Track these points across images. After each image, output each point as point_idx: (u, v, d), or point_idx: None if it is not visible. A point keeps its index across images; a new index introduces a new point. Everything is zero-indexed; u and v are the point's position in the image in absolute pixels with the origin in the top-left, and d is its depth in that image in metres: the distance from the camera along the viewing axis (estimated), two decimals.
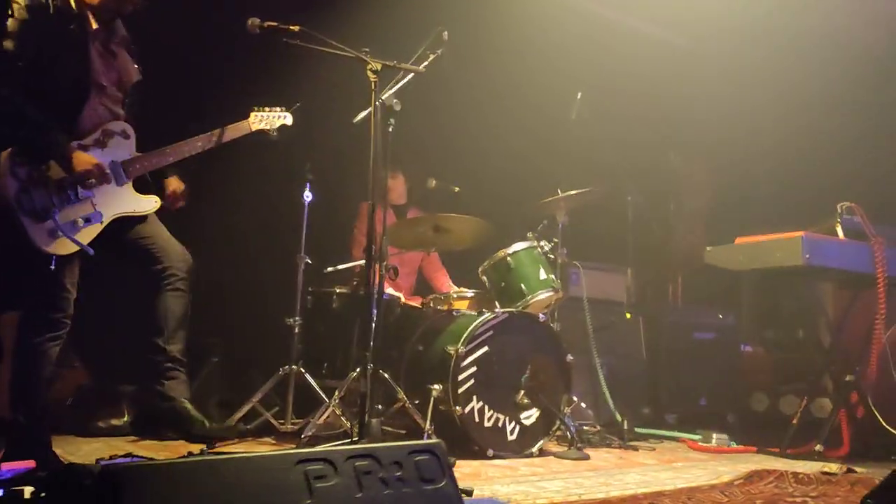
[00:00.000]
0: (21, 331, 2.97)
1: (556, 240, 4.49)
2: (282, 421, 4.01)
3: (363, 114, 3.65)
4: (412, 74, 3.78)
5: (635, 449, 4.32)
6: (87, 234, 2.96)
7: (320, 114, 3.82)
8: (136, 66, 3.26)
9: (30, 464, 2.44)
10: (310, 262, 4.03)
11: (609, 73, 5.42)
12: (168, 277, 3.30)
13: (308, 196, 4.03)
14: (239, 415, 3.79)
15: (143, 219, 3.24)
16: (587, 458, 3.89)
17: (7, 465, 2.37)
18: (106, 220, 3.03)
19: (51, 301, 2.95)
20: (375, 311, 3.75)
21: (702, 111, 6.35)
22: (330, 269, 4.18)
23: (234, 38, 3.39)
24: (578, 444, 4.01)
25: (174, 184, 3.42)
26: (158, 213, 3.31)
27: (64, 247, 2.86)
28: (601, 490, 3.03)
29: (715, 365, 5.74)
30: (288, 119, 3.58)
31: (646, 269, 6.01)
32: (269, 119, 3.51)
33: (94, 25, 3.09)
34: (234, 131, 3.44)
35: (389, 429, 4.24)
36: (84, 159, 2.95)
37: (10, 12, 2.86)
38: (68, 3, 2.99)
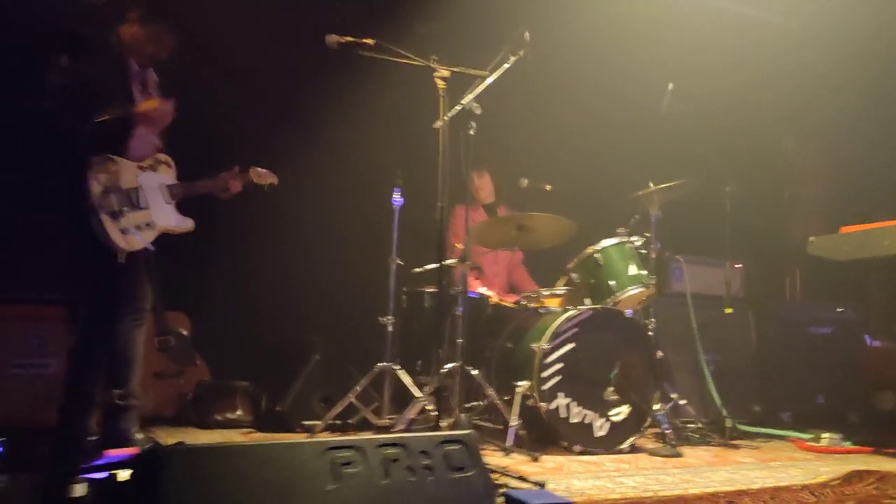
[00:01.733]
0: (97, 320, 3.31)
1: (647, 234, 4.43)
2: (379, 417, 4.19)
3: (441, 120, 3.75)
4: (493, 77, 3.88)
5: (736, 447, 4.20)
6: (146, 238, 3.38)
7: (407, 121, 3.97)
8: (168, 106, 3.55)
9: (133, 450, 2.73)
10: (401, 263, 4.19)
11: (706, 61, 5.27)
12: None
13: (398, 200, 4.20)
14: (336, 411, 4.00)
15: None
16: (679, 455, 3.83)
17: (111, 453, 2.66)
18: (159, 229, 3.44)
19: (128, 290, 3.33)
20: (462, 309, 3.88)
21: (814, 96, 6.02)
22: (418, 269, 4.32)
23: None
24: (672, 442, 3.96)
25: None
26: None
27: (131, 244, 3.28)
28: (680, 487, 2.99)
29: (833, 361, 5.42)
30: (274, 179, 3.91)
31: (755, 262, 5.79)
32: (262, 176, 3.87)
33: (136, 67, 3.48)
34: (242, 179, 3.78)
35: (488, 424, 4.35)
36: (149, 103, 3.35)
37: (63, 52, 3.29)
38: (113, 47, 3.41)
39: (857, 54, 5.74)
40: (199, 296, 4.66)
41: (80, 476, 2.17)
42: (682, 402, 4.62)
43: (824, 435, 4.36)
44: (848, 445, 4.30)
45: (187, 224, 3.56)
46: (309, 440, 1.68)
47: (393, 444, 1.68)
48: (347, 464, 1.60)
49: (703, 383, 4.93)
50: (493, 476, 2.90)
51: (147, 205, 3.37)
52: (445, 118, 3.31)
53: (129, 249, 3.25)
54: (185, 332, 4.64)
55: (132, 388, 3.35)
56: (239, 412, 4.47)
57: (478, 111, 3.78)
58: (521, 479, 2.89)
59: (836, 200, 6.05)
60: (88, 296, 3.36)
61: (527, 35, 3.96)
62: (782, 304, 5.75)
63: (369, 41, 3.32)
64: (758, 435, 4.70)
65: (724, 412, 4.53)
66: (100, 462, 2.31)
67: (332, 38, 3.42)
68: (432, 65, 3.31)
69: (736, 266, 5.62)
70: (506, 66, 3.93)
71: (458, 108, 3.76)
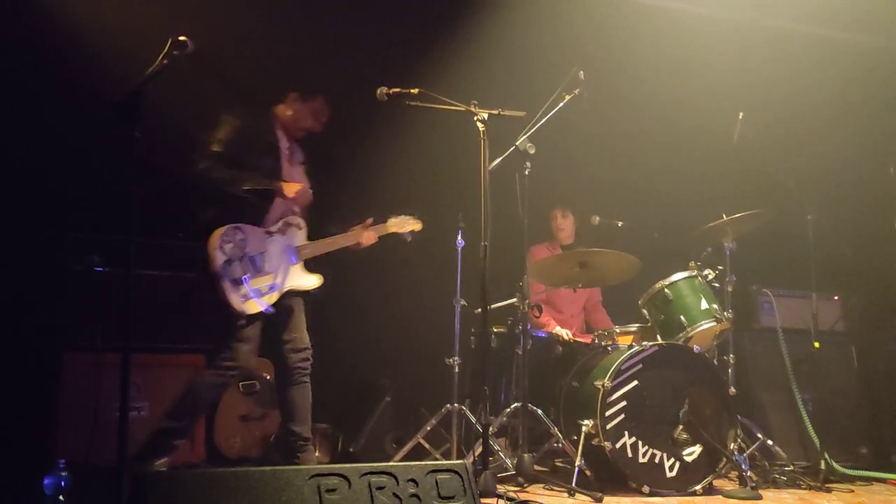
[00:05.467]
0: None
1: (720, 267, 4.29)
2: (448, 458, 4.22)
3: (497, 161, 3.83)
4: (546, 118, 3.94)
5: (828, 490, 3.94)
6: (269, 299, 3.58)
7: (466, 164, 4.06)
8: (307, 180, 3.84)
9: None
10: (465, 304, 4.25)
11: (784, 87, 5.10)
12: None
13: (461, 242, 4.28)
14: (404, 451, 4.06)
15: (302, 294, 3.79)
16: (759, 497, 3.64)
17: None
18: (283, 289, 3.64)
19: (228, 349, 3.54)
20: (522, 350, 3.89)
21: None
22: (479, 310, 4.36)
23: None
24: (753, 484, 3.76)
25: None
26: None
27: (252, 307, 3.50)
28: None
29: None
30: (418, 225, 4.02)
31: (858, 294, 5.45)
32: (403, 224, 4.00)
33: (286, 143, 3.79)
34: (377, 231, 3.92)
35: (561, 464, 4.30)
36: (293, 185, 3.63)
37: (224, 124, 3.59)
38: (268, 122, 3.73)
39: None
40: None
41: None
42: (769, 442, 4.39)
43: None
44: None
45: (313, 281, 3.74)
46: (295, 467, 1.76)
47: (380, 473, 1.73)
48: (332, 490, 1.67)
49: (801, 423, 4.66)
50: None
51: (272, 268, 3.60)
52: (486, 159, 3.38)
53: (246, 314, 3.48)
54: (269, 377, 4.84)
55: (306, 428, 3.68)
56: (318, 454, 4.60)
57: (532, 150, 3.83)
58: None
59: None
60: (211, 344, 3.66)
61: (581, 74, 4.00)
62: (890, 338, 5.33)
63: (413, 90, 3.46)
64: (858, 478, 4.37)
65: (824, 453, 4.25)
66: None
67: (382, 91, 3.58)
68: (473, 109, 3.40)
69: (832, 298, 5.32)
70: (560, 105, 3.98)
71: (511, 149, 3.84)
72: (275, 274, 3.59)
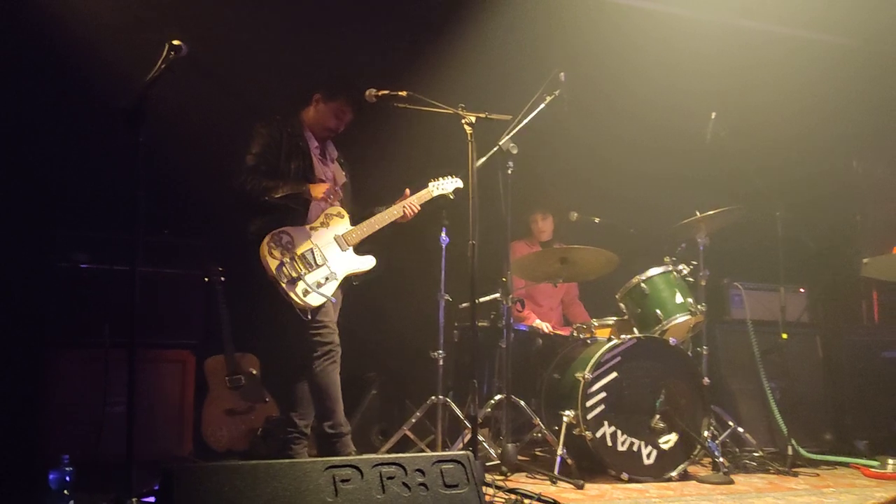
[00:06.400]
0: (305, 368, 3.79)
1: (694, 262, 4.46)
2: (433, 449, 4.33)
3: (481, 160, 3.93)
4: (528, 118, 4.06)
5: (795, 475, 4.14)
6: (329, 289, 3.78)
7: (451, 162, 4.17)
8: (343, 172, 4.10)
9: None
10: (450, 299, 4.36)
11: (754, 86, 5.29)
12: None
13: (445, 239, 4.39)
14: (390, 444, 4.17)
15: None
16: (731, 482, 3.82)
17: None
18: (341, 277, 3.84)
19: (316, 338, 3.74)
20: (505, 343, 4.03)
21: (880, 115, 5.89)
22: (464, 304, 4.48)
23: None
24: (725, 469, 3.94)
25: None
26: None
27: (315, 300, 3.70)
28: None
29: None
30: (459, 182, 4.17)
31: (823, 287, 5.66)
32: (444, 185, 4.17)
33: (315, 143, 3.99)
34: (419, 199, 4.08)
35: (543, 454, 4.45)
36: (320, 186, 3.80)
37: (256, 136, 3.81)
38: (296, 127, 3.91)
39: None
40: (270, 336, 4.95)
41: (139, 500, 2.43)
42: (739, 429, 4.59)
43: (890, 461, 4.23)
44: None
45: (368, 263, 3.94)
46: (311, 459, 1.86)
47: (390, 464, 1.85)
48: (346, 480, 1.78)
49: (769, 411, 4.86)
50: (527, 502, 3.02)
51: (324, 260, 3.79)
52: (474, 161, 3.49)
53: (311, 307, 3.67)
54: (255, 372, 4.92)
55: (340, 418, 3.76)
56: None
57: (514, 151, 3.95)
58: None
59: None
60: (293, 347, 3.81)
61: (562, 76, 4.12)
62: (852, 329, 5.56)
63: (402, 93, 3.56)
64: (823, 463, 4.59)
65: (791, 440, 4.45)
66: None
67: (371, 92, 3.68)
68: (460, 112, 3.51)
69: (799, 291, 5.53)
70: (541, 106, 4.10)
71: (495, 149, 3.96)
72: (329, 265, 3.79)
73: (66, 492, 2.72)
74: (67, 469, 2.75)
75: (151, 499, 2.43)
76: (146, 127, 2.74)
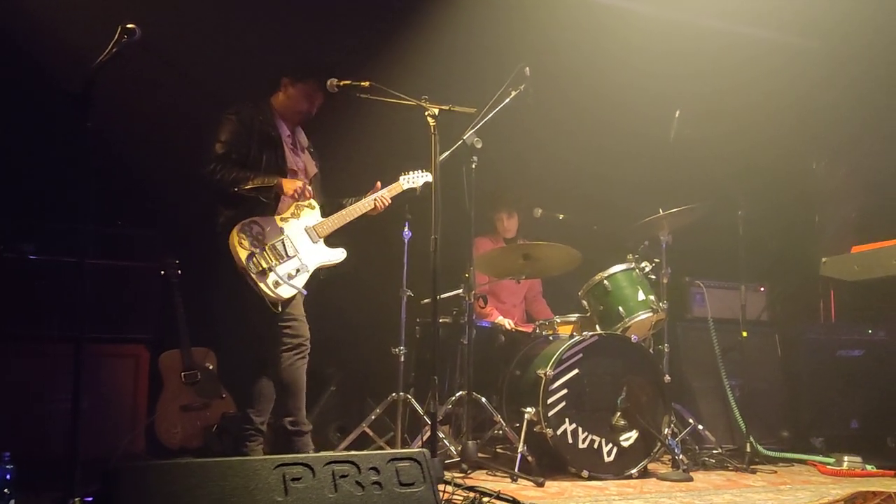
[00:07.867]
0: (269, 362, 3.71)
1: (657, 260, 4.46)
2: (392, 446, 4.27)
3: (444, 155, 3.88)
4: (493, 112, 4.02)
5: (753, 472, 4.16)
6: (300, 281, 3.71)
7: (414, 156, 4.10)
8: (314, 162, 4.03)
9: None
10: (411, 294, 4.30)
11: (718, 86, 5.31)
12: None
13: (407, 234, 4.33)
14: (348, 441, 4.10)
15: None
16: (690, 479, 3.83)
17: None
18: (312, 268, 3.76)
19: (286, 331, 3.67)
20: (467, 340, 3.98)
21: (840, 115, 5.97)
22: (426, 300, 4.43)
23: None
24: (684, 466, 3.95)
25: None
26: None
27: (285, 292, 3.63)
28: None
29: (867, 384, 5.28)
30: (429, 177, 4.04)
31: (782, 285, 5.73)
32: (415, 178, 4.09)
33: (287, 132, 3.90)
34: (389, 192, 4.03)
35: (504, 451, 4.41)
36: (292, 183, 3.72)
37: (225, 124, 3.71)
38: (267, 115, 3.82)
39: (880, 71, 5.69)
40: (228, 331, 4.84)
41: (81, 499, 2.33)
42: (700, 427, 4.61)
43: (845, 458, 4.28)
44: (871, 469, 4.21)
45: (339, 255, 3.87)
46: (261, 457, 1.79)
47: (343, 462, 1.78)
48: (297, 479, 1.71)
49: (729, 409, 4.89)
50: (486, 500, 2.98)
51: (295, 251, 3.71)
52: (437, 154, 3.44)
53: (282, 299, 3.59)
54: (211, 367, 4.80)
55: (302, 416, 3.71)
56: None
57: (479, 145, 3.91)
58: (515, 502, 2.95)
59: (870, 220, 5.92)
60: (256, 341, 3.75)
61: (527, 70, 4.08)
62: (810, 327, 5.62)
63: (364, 83, 3.49)
64: (780, 459, 4.63)
65: (750, 437, 4.48)
66: None
67: (333, 82, 3.61)
68: (423, 104, 3.45)
69: (759, 289, 5.58)
70: (507, 101, 4.06)
71: (459, 143, 3.91)
72: (299, 256, 3.72)
73: (6, 490, 2.61)
74: (8, 467, 2.63)
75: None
76: (96, 112, 2.62)
